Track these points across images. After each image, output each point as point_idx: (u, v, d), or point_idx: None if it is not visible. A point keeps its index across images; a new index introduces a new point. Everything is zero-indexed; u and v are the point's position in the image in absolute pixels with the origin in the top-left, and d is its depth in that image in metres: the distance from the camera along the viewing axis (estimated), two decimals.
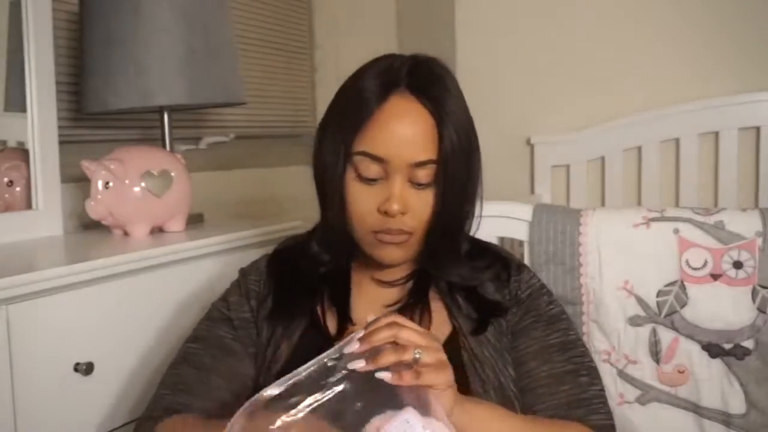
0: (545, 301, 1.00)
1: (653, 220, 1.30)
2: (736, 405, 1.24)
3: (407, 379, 0.72)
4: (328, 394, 0.69)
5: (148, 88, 1.42)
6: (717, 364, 1.25)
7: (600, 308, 1.29)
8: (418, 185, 0.89)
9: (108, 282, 1.14)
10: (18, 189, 1.40)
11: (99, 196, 1.31)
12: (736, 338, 1.24)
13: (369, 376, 0.71)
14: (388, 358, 0.72)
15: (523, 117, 2.23)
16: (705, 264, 1.26)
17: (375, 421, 0.69)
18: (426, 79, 0.90)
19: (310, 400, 0.68)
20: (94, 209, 1.32)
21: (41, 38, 1.37)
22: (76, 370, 1.07)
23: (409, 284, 0.98)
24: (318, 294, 0.97)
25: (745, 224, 1.26)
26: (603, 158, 2.16)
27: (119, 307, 1.16)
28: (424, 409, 0.71)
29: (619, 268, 1.29)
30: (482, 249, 1.02)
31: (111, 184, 1.31)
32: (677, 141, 2.06)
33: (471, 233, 0.99)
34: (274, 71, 2.28)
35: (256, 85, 2.13)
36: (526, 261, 1.33)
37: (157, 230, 1.44)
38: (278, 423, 0.67)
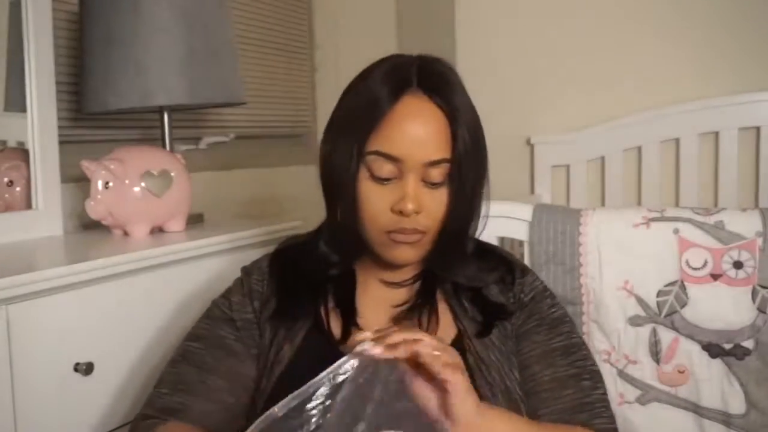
0: (548, 305, 1.00)
1: (653, 220, 1.30)
2: (736, 405, 1.24)
3: (430, 360, 0.71)
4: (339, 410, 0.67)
5: (148, 88, 1.42)
6: (717, 364, 1.25)
7: (600, 308, 1.30)
8: (432, 184, 0.89)
9: (108, 282, 1.14)
10: (18, 189, 1.40)
11: (99, 196, 1.31)
12: (736, 338, 1.24)
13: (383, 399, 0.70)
14: (405, 347, 0.71)
15: (523, 117, 2.23)
16: (705, 264, 1.26)
17: None
18: (436, 79, 0.91)
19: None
20: (94, 209, 1.32)
21: (41, 38, 1.37)
22: (76, 370, 1.07)
23: (416, 285, 0.98)
24: (322, 295, 0.97)
25: (745, 224, 1.26)
26: (603, 158, 2.16)
27: (119, 307, 1.16)
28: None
29: (619, 268, 1.29)
30: (486, 251, 1.02)
31: (111, 184, 1.31)
32: (677, 141, 2.06)
33: (477, 233, 0.99)
34: (274, 71, 2.28)
35: (256, 85, 2.13)
36: (526, 261, 1.33)
37: (157, 230, 1.44)
38: None
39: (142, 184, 1.35)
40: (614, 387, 1.29)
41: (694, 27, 2.03)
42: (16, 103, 1.38)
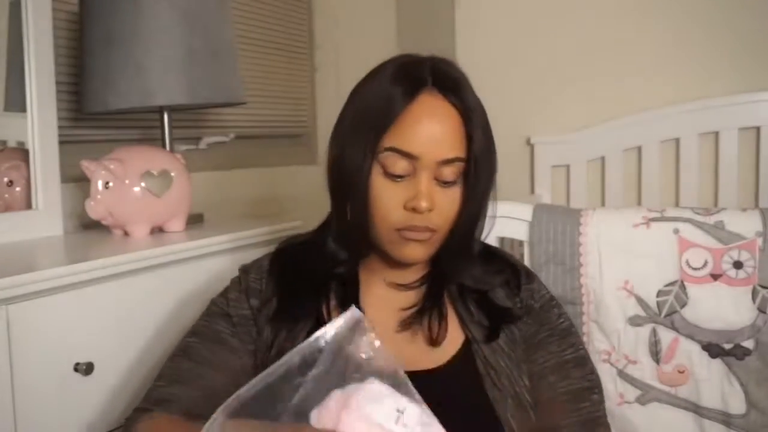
0: (556, 314, 1.01)
1: (653, 220, 1.30)
2: (736, 405, 1.24)
3: None
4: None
5: (148, 88, 1.41)
6: (717, 364, 1.25)
7: (600, 308, 1.30)
8: (444, 183, 0.90)
9: (108, 282, 1.13)
10: (18, 189, 1.40)
11: (99, 196, 1.31)
12: (736, 338, 1.24)
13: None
14: None
15: (523, 117, 2.23)
16: (705, 264, 1.26)
17: (336, 395, 0.64)
18: (451, 79, 0.92)
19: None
20: (94, 209, 1.32)
21: (41, 38, 1.37)
22: (76, 370, 1.07)
23: (423, 288, 0.98)
24: (324, 295, 0.97)
25: (745, 224, 1.26)
26: (603, 158, 2.16)
27: (119, 307, 1.16)
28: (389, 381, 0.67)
29: (619, 268, 1.29)
30: (491, 254, 1.03)
31: (111, 184, 1.31)
32: (677, 141, 2.06)
33: (484, 234, 0.99)
34: (274, 71, 2.28)
35: (256, 85, 2.13)
36: (526, 261, 1.33)
37: (157, 230, 1.43)
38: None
39: (142, 184, 1.35)
40: (614, 387, 1.29)
41: (694, 27, 2.03)
42: (16, 103, 1.38)
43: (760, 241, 1.24)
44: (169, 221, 1.43)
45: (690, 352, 1.26)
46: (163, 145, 1.56)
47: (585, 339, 1.28)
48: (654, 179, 2.08)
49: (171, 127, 1.57)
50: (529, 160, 2.25)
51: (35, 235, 1.36)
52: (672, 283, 1.27)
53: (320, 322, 0.95)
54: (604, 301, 1.29)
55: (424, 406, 0.65)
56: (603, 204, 2.16)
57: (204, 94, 1.49)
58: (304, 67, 2.43)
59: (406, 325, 0.95)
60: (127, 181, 1.33)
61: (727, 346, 1.24)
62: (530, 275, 1.03)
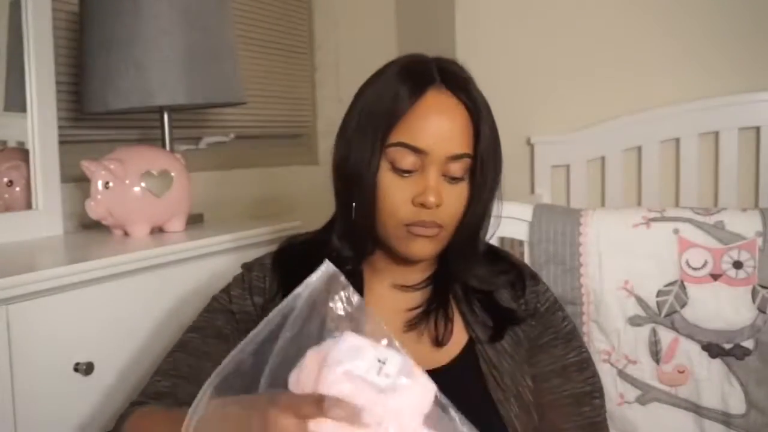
0: (560, 317, 1.01)
1: (653, 220, 1.30)
2: (736, 405, 1.24)
3: None
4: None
5: (148, 88, 1.41)
6: (717, 364, 1.25)
7: (600, 308, 1.30)
8: (451, 179, 0.90)
9: (108, 282, 1.13)
10: (18, 189, 1.40)
11: (99, 196, 1.31)
12: (736, 338, 1.24)
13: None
14: None
15: (523, 117, 2.23)
16: (705, 264, 1.26)
17: (312, 354, 0.61)
18: (458, 77, 0.92)
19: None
20: (94, 209, 1.32)
21: (41, 38, 1.37)
22: (76, 370, 1.07)
23: (428, 289, 0.98)
24: None
25: (745, 224, 1.26)
26: (603, 158, 2.16)
27: (119, 307, 1.16)
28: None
29: (619, 268, 1.29)
30: (496, 254, 1.03)
31: (111, 184, 1.31)
32: (677, 141, 2.06)
33: (489, 234, 0.99)
34: (274, 71, 2.27)
35: (256, 85, 2.12)
36: (526, 261, 1.33)
37: (157, 230, 1.43)
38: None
39: (142, 184, 1.35)
40: (614, 387, 1.29)
41: (695, 27, 2.03)
42: (16, 103, 1.38)
43: (760, 241, 1.24)
44: (169, 221, 1.43)
45: (690, 352, 1.26)
46: (163, 145, 1.56)
47: (585, 339, 1.28)
48: (654, 179, 2.08)
49: (171, 127, 1.57)
50: (529, 160, 2.25)
51: (35, 235, 1.36)
52: (672, 283, 1.27)
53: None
54: (604, 301, 1.29)
55: (406, 355, 0.62)
56: (603, 204, 2.16)
57: (204, 94, 1.49)
58: (304, 67, 2.43)
59: (412, 325, 0.95)
60: (127, 181, 1.33)
61: (727, 346, 1.24)
62: (535, 277, 1.04)
